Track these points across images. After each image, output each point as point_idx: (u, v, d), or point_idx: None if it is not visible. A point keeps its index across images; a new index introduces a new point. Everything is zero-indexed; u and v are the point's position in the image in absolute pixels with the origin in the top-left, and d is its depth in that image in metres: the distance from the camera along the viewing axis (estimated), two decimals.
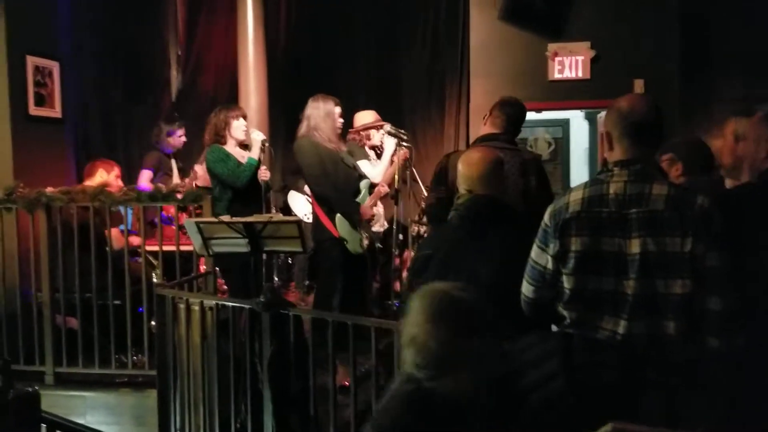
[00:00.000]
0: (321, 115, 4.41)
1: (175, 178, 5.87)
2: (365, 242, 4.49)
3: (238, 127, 4.56)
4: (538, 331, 2.35)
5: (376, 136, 5.15)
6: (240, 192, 4.50)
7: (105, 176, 4.96)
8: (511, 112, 3.51)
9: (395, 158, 4.63)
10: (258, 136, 4.58)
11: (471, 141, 6.13)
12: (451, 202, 2.81)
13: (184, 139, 6.02)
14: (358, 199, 4.62)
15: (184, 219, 4.06)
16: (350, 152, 4.71)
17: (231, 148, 4.56)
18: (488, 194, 2.61)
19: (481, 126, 3.61)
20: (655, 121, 2.17)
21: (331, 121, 4.41)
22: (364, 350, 3.15)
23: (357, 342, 3.10)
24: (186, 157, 6.22)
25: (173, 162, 6.00)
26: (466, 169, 2.67)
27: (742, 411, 2.10)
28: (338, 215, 4.40)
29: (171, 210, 5.15)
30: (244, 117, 4.65)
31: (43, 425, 1.88)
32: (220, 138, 4.55)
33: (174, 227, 4.78)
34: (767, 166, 2.37)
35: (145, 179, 5.72)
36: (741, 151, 2.45)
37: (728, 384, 2.09)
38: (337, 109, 4.46)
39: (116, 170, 5.13)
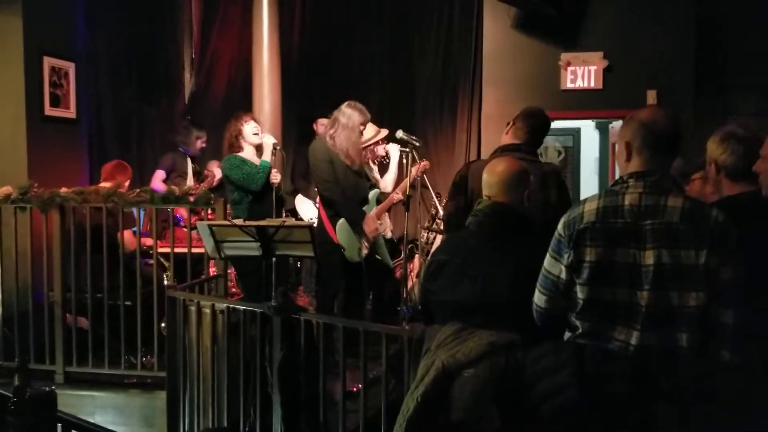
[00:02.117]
0: (344, 124, 4.37)
1: (190, 181, 5.93)
2: (364, 252, 4.46)
3: (249, 132, 4.61)
4: (551, 340, 2.35)
5: (378, 148, 5.14)
6: (257, 195, 4.56)
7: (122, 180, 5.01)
8: (535, 124, 3.44)
9: (413, 169, 4.61)
10: (269, 140, 4.63)
11: (482, 148, 6.18)
12: (470, 211, 2.79)
13: (202, 144, 6.11)
14: (364, 208, 4.57)
15: (197, 222, 4.09)
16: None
17: (249, 155, 4.63)
18: (507, 202, 2.62)
19: (502, 135, 3.51)
20: (675, 134, 2.18)
21: (354, 136, 4.37)
22: (372, 356, 3.16)
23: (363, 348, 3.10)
24: (202, 161, 6.28)
25: (189, 164, 6.05)
26: (490, 176, 2.68)
27: (754, 425, 2.10)
28: (339, 221, 4.41)
29: (183, 212, 5.18)
30: (254, 120, 4.70)
31: (59, 425, 1.89)
32: (235, 148, 4.64)
33: (185, 229, 4.81)
34: None
35: (157, 179, 5.78)
36: (759, 169, 2.46)
37: (741, 398, 2.09)
38: (362, 127, 4.39)
39: (128, 174, 5.17)
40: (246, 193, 4.56)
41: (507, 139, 3.45)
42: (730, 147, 2.58)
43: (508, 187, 2.64)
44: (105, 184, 4.86)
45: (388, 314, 5.38)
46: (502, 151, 3.37)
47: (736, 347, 2.05)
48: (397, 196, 4.73)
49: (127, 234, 4.70)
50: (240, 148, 4.63)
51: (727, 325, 2.04)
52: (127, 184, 4.98)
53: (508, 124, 3.50)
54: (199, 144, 6.08)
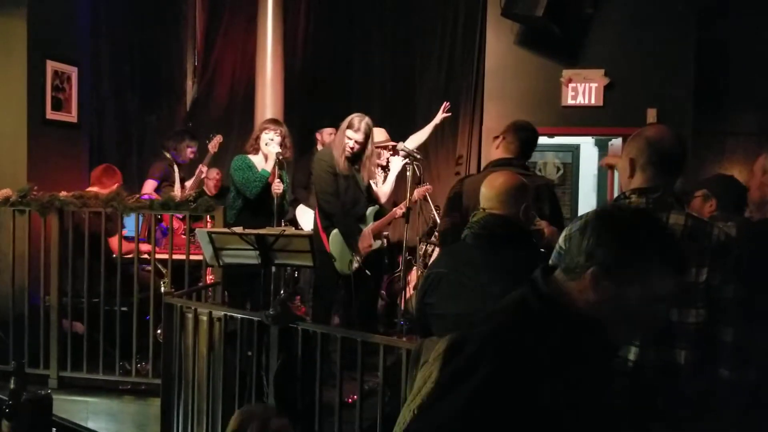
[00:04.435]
0: (339, 132, 4.43)
1: (177, 188, 5.94)
2: (355, 265, 4.44)
3: (264, 139, 4.66)
4: None
5: (383, 154, 5.14)
6: (250, 202, 4.60)
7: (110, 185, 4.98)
8: (525, 137, 3.47)
9: (416, 192, 4.61)
10: (274, 149, 4.64)
11: (482, 162, 6.20)
12: (465, 226, 2.79)
13: (191, 154, 6.15)
14: (360, 225, 4.57)
15: (196, 229, 4.08)
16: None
17: (259, 161, 4.67)
18: (503, 214, 2.62)
19: (492, 149, 3.57)
20: (681, 153, 2.18)
21: (341, 140, 4.38)
22: (368, 367, 3.14)
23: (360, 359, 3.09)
24: (190, 169, 6.30)
25: (176, 172, 6.06)
26: (488, 189, 2.69)
27: None
28: (333, 232, 4.40)
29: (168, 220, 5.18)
30: (278, 133, 4.68)
31: (54, 429, 1.88)
32: (251, 149, 4.72)
33: (183, 236, 4.81)
34: None
35: (149, 188, 5.79)
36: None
37: (739, 417, 2.08)
38: (349, 132, 4.35)
39: (117, 178, 5.14)
40: (239, 198, 4.62)
41: (498, 153, 3.47)
42: None
43: (507, 201, 2.64)
44: (92, 189, 4.85)
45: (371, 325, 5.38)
46: (494, 165, 3.38)
47: (735, 366, 2.04)
48: (400, 210, 4.75)
49: (113, 240, 4.67)
50: (255, 151, 4.71)
51: (726, 343, 2.04)
52: (115, 188, 4.94)
53: (497, 137, 3.53)
54: (189, 153, 6.10)
